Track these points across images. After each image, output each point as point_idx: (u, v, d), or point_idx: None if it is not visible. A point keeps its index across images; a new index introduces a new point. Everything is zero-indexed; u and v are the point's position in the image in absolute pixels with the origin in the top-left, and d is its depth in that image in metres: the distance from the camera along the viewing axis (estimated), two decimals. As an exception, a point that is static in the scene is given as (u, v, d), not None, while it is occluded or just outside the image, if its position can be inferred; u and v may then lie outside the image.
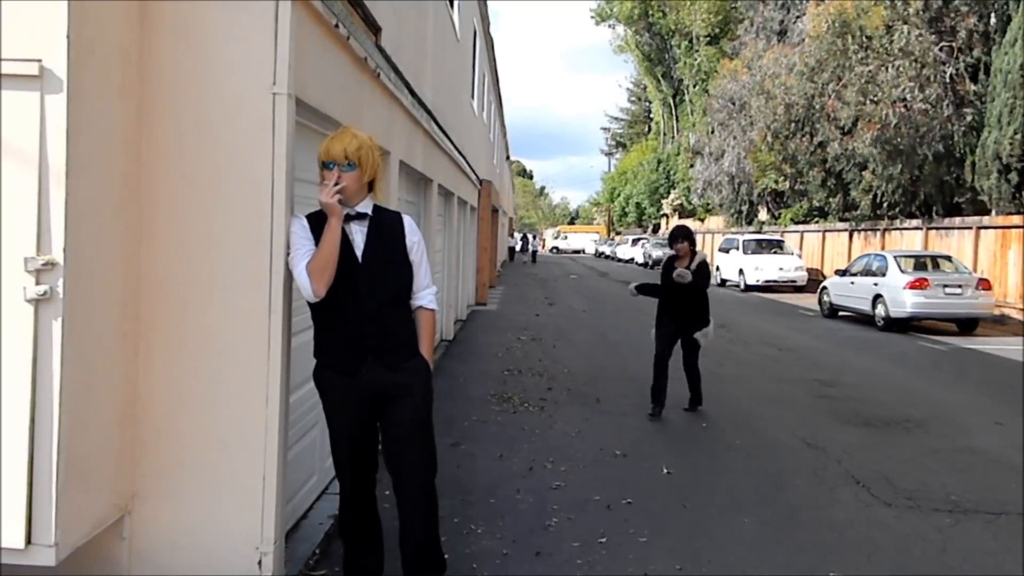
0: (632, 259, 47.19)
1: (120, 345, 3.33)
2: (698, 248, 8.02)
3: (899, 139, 21.18)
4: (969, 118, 20.64)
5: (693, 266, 7.63)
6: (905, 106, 20.90)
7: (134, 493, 3.48)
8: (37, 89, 2.84)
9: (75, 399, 2.96)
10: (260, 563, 3.47)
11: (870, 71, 21.83)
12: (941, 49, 21.07)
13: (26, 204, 2.85)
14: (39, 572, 3.00)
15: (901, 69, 21.07)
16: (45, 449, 2.88)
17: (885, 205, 23.06)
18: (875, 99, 21.52)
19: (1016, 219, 18.50)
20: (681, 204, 50.07)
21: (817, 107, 24.45)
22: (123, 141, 3.28)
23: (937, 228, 21.80)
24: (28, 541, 2.89)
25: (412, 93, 7.32)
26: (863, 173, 23.20)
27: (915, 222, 22.72)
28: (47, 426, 2.88)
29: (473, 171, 16.75)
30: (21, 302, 2.85)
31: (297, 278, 3.40)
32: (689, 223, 48.16)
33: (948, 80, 21.13)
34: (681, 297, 7.75)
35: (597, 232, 75.02)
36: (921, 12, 21.18)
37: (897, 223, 23.46)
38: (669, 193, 53.29)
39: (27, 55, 2.83)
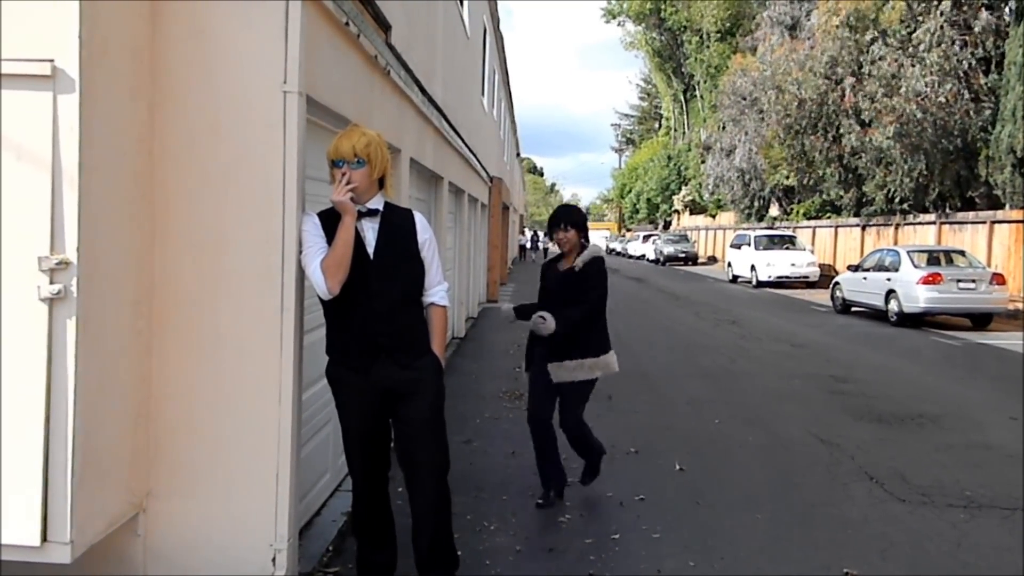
0: (643, 255, 47.14)
1: (134, 343, 3.34)
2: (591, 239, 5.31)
3: (919, 133, 21.05)
4: (987, 112, 20.50)
5: (579, 264, 5.01)
6: (924, 100, 20.76)
7: (148, 491, 3.50)
8: (50, 89, 2.85)
9: (90, 397, 2.97)
10: (274, 560, 3.48)
11: (888, 65, 21.69)
12: (955, 43, 20.93)
13: (39, 204, 2.86)
14: (54, 569, 3.02)
15: (926, 63, 20.92)
16: (60, 447, 2.89)
17: (898, 200, 22.94)
18: (895, 93, 21.36)
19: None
20: (692, 200, 49.96)
21: (831, 102, 24.33)
22: (135, 140, 3.29)
23: (950, 223, 21.68)
24: (44, 538, 2.91)
25: (422, 91, 7.32)
26: (878, 168, 23.08)
27: (928, 217, 22.60)
28: (62, 424, 2.89)
29: (483, 168, 16.75)
30: (35, 301, 2.86)
31: (311, 276, 3.41)
32: (700, 219, 48.24)
33: (963, 74, 21.00)
34: (561, 303, 5.01)
35: (608, 229, 74.98)
36: (936, 7, 21.04)
37: (910, 218, 23.34)
38: (680, 189, 53.18)
39: (39, 55, 2.84)
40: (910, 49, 21.52)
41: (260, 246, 3.45)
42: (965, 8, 21.07)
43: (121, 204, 3.21)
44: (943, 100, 20.64)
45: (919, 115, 20.76)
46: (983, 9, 20.78)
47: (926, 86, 20.71)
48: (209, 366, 3.48)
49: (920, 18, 21.52)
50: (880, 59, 22.07)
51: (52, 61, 2.84)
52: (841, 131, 24.24)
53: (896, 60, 21.64)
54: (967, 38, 21.01)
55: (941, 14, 20.93)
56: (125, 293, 3.26)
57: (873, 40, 22.61)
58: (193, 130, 3.44)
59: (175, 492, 3.51)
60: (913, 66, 21.10)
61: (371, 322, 3.46)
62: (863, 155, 23.43)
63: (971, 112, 20.73)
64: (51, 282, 2.86)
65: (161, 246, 3.45)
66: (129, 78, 3.23)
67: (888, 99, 21.43)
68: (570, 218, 5.07)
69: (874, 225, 25.47)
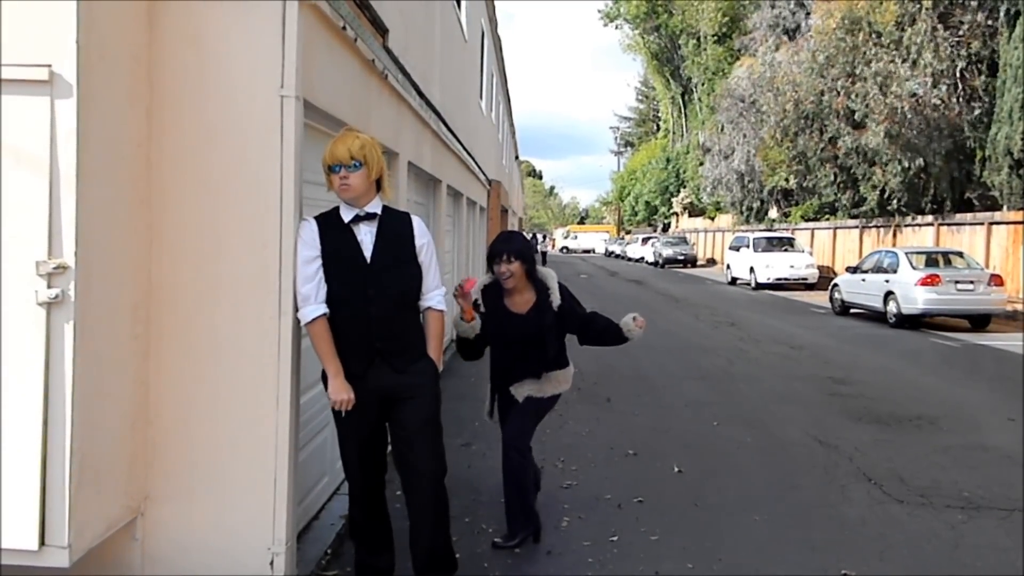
0: (642, 258, 47.16)
1: (131, 348, 3.34)
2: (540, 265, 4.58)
3: (911, 133, 21.06)
4: (977, 113, 20.51)
5: (556, 302, 4.43)
6: (917, 101, 20.79)
7: (146, 495, 3.50)
8: (47, 94, 2.86)
9: (87, 401, 2.98)
10: (272, 564, 3.48)
11: (881, 66, 21.74)
12: (948, 46, 20.95)
13: (37, 208, 2.87)
14: (52, 573, 3.02)
15: (918, 63, 20.94)
16: (58, 451, 2.90)
17: (895, 201, 22.96)
18: (887, 93, 21.41)
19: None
20: (691, 202, 49.98)
21: (827, 103, 24.37)
22: (133, 145, 3.30)
23: (948, 224, 21.71)
24: (42, 543, 2.92)
25: (420, 94, 7.33)
26: (873, 168, 23.11)
27: (926, 218, 22.62)
28: (60, 428, 2.90)
29: (482, 171, 16.76)
30: (33, 305, 2.87)
31: (298, 301, 3.44)
32: (699, 221, 48.26)
33: (958, 75, 21.03)
34: (543, 352, 4.52)
35: (607, 231, 75.03)
36: (931, 9, 21.06)
37: (908, 219, 23.37)
38: (679, 192, 53.21)
39: (37, 60, 2.85)
40: (903, 51, 21.53)
41: (257, 250, 3.46)
42: (957, 9, 21.09)
43: (119, 209, 3.21)
44: (936, 101, 20.66)
45: (910, 116, 20.77)
46: (976, 11, 20.79)
47: (919, 86, 20.73)
48: (207, 370, 3.48)
49: (914, 18, 21.53)
50: (874, 59, 22.09)
51: (50, 66, 2.85)
52: (836, 132, 24.24)
53: (891, 60, 21.65)
54: (960, 39, 21.03)
55: (933, 16, 20.94)
56: (123, 297, 3.27)
57: (866, 41, 22.63)
58: (190, 134, 3.45)
59: (173, 496, 3.51)
60: (908, 70, 21.10)
61: (367, 326, 3.46)
62: (855, 155, 23.46)
63: (964, 113, 20.74)
64: (49, 286, 2.87)
65: (158, 250, 3.46)
66: (126, 83, 3.24)
67: (882, 98, 21.44)
68: (513, 248, 4.32)
69: (872, 227, 25.49)
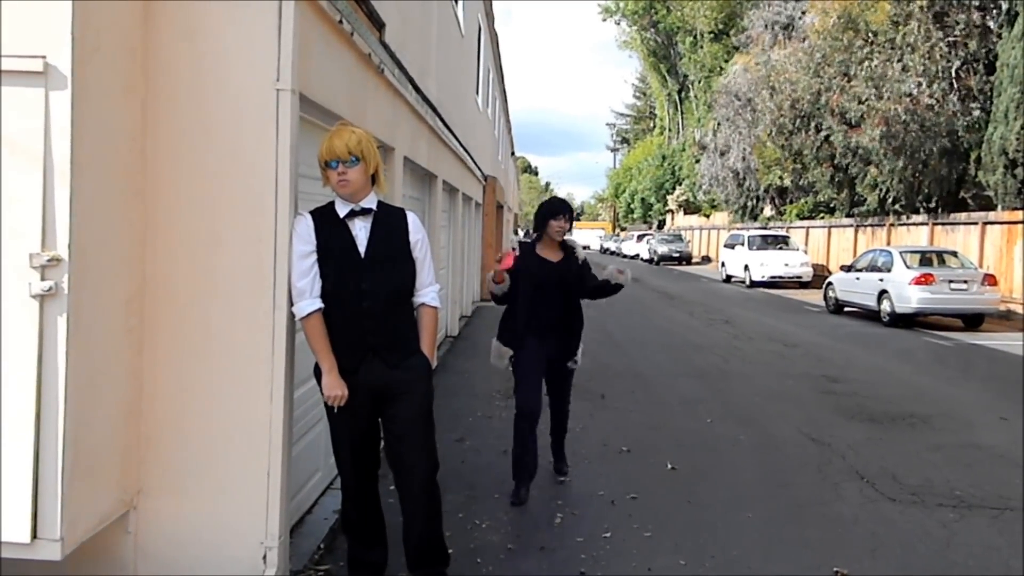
0: (638, 255, 47.20)
1: (125, 341, 3.34)
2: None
3: (905, 134, 21.11)
4: (976, 113, 20.56)
5: (583, 256, 5.43)
6: (912, 101, 20.83)
7: (139, 488, 3.50)
8: (42, 86, 2.85)
9: (80, 395, 2.97)
10: (265, 558, 3.49)
11: (876, 66, 21.78)
12: (947, 44, 20.98)
13: (31, 200, 2.86)
14: (45, 567, 3.01)
15: (910, 63, 20.99)
16: (51, 444, 2.89)
17: (890, 200, 23.00)
18: (881, 94, 21.44)
19: (1022, 214, 18.42)
20: (687, 200, 50.05)
21: (823, 102, 24.41)
22: (127, 138, 3.29)
23: (943, 223, 21.75)
24: (34, 535, 2.91)
25: (416, 89, 7.32)
26: (868, 168, 23.16)
27: (921, 217, 22.67)
28: (52, 421, 2.89)
29: (478, 167, 16.75)
30: (26, 298, 2.86)
31: (293, 296, 3.45)
32: (694, 219, 48.31)
33: (954, 75, 21.06)
34: (565, 301, 5.32)
35: (603, 228, 75.07)
36: (926, 8, 21.09)
37: (903, 218, 23.41)
38: (675, 189, 53.27)
39: (32, 52, 2.84)
40: (897, 51, 21.56)
41: (252, 244, 3.45)
42: (952, 9, 21.11)
43: (113, 201, 3.21)
44: (930, 101, 20.69)
45: (904, 116, 20.80)
46: (972, 10, 20.81)
47: (913, 87, 20.75)
48: (201, 364, 3.48)
49: (908, 17, 21.56)
50: (868, 59, 22.13)
51: (44, 58, 2.84)
52: (829, 130, 24.28)
53: (887, 61, 21.68)
54: (956, 39, 21.05)
55: (928, 17, 20.96)
56: (117, 290, 3.26)
57: (862, 37, 22.66)
58: (186, 128, 3.44)
59: (166, 490, 3.51)
60: (904, 70, 21.13)
61: (360, 321, 3.46)
62: (851, 155, 23.51)
63: (959, 113, 20.77)
64: (42, 279, 2.86)
65: (153, 243, 3.45)
66: (122, 75, 3.23)
67: (876, 100, 21.47)
68: (568, 210, 5.34)
69: (867, 226, 25.53)
